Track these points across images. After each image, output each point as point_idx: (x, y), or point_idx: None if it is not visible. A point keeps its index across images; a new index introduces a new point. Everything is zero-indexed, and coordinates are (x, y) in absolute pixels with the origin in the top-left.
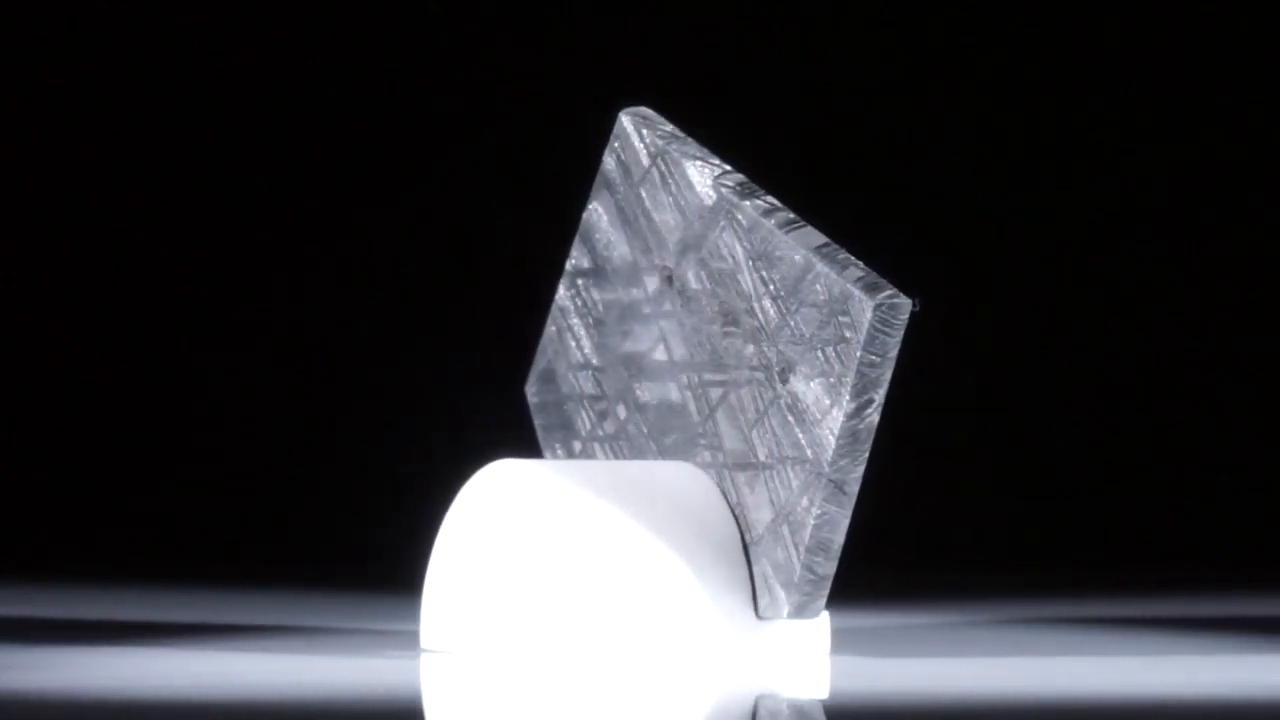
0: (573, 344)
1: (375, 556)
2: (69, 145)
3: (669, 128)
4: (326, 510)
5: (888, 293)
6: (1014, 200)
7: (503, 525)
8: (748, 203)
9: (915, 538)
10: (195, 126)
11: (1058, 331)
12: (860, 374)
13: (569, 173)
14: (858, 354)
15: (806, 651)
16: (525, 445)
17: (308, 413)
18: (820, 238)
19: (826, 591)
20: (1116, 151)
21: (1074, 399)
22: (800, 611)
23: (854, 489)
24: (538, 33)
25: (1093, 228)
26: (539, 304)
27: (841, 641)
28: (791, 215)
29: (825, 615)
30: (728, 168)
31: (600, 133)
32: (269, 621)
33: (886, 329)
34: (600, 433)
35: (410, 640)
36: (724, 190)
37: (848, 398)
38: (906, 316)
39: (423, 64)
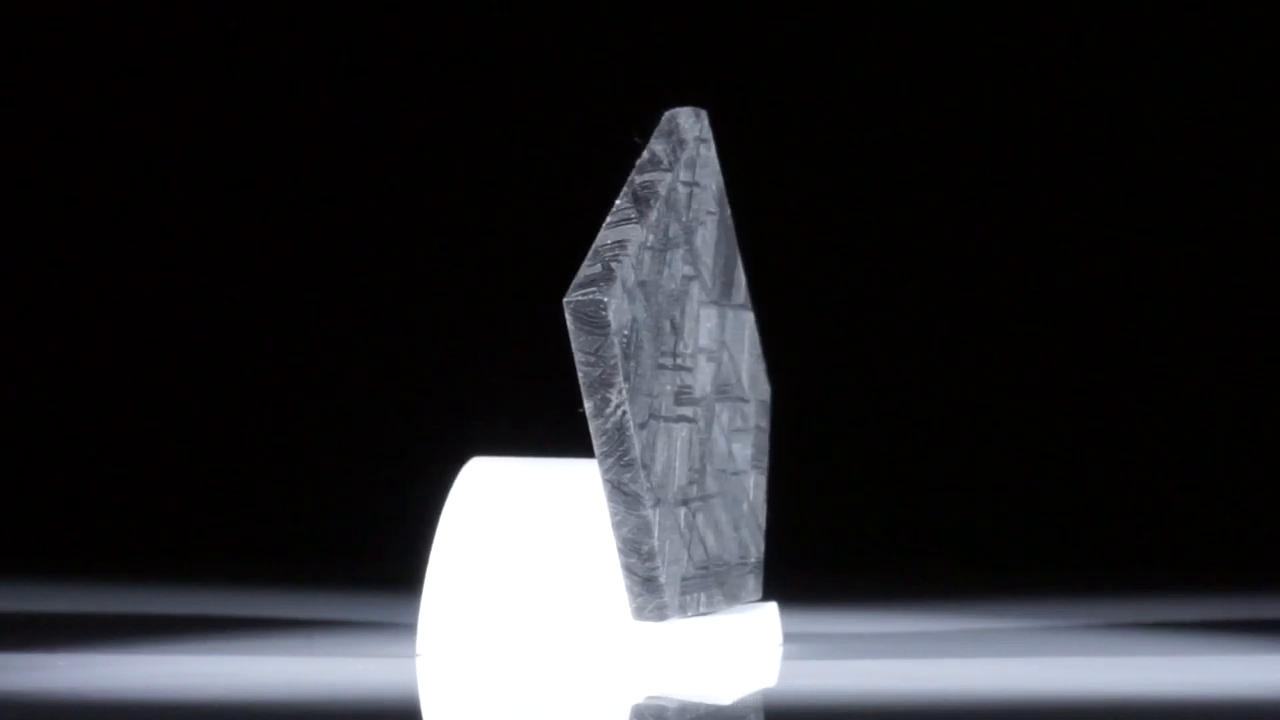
0: None
1: (369, 551)
2: (68, 145)
3: (671, 125)
4: (320, 505)
5: (580, 291)
6: (1011, 200)
7: (470, 526)
8: (617, 200)
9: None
10: (200, 125)
11: (1057, 331)
12: (583, 373)
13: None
14: (577, 354)
15: (685, 653)
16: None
17: (303, 409)
18: (614, 236)
19: (660, 594)
20: (1112, 146)
21: (1072, 398)
22: (641, 614)
23: (633, 489)
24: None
25: (1094, 221)
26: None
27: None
28: (632, 213)
29: (719, 619)
30: (662, 163)
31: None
32: (263, 617)
33: (585, 327)
34: None
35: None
36: (626, 190)
37: (585, 398)
38: (604, 314)
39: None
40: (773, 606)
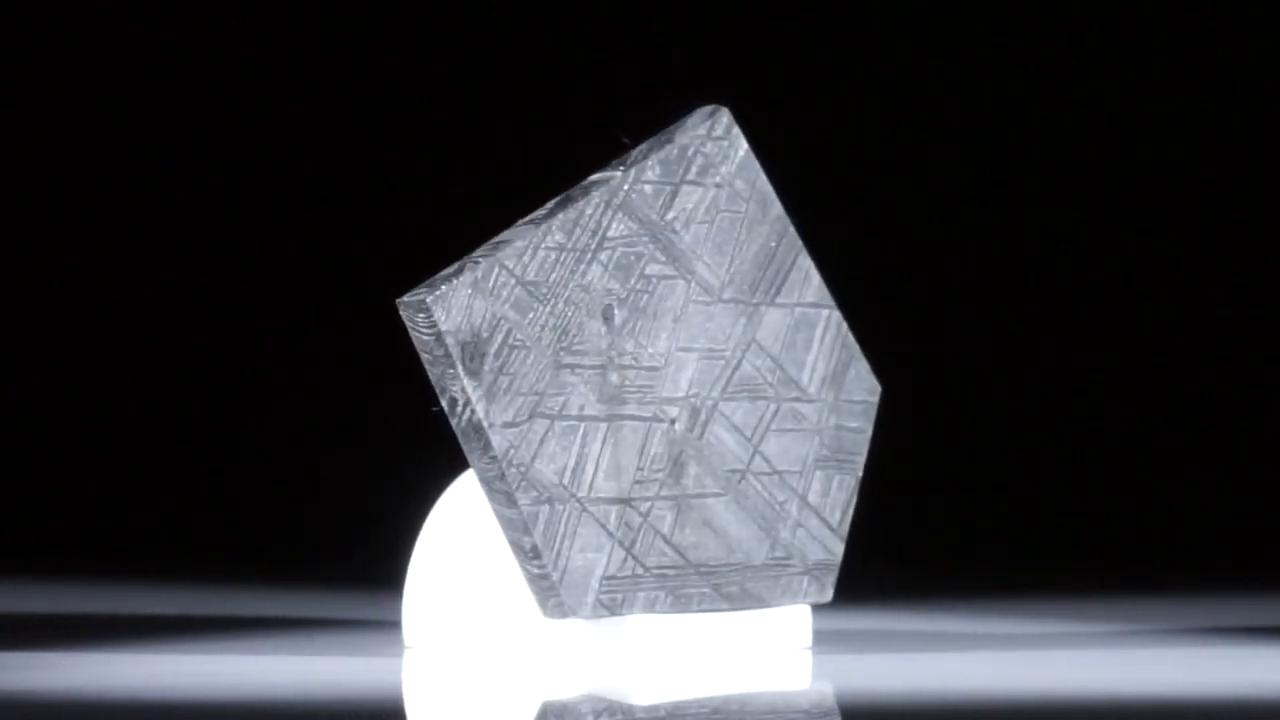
0: None
1: (369, 551)
2: (68, 145)
3: (677, 124)
4: (316, 508)
5: (411, 293)
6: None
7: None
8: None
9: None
10: (200, 125)
11: (1064, 333)
12: (430, 373)
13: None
14: (420, 353)
15: (598, 652)
16: None
17: (305, 409)
18: (503, 236)
19: (555, 592)
20: (1109, 147)
21: (1075, 401)
22: (545, 610)
23: (501, 488)
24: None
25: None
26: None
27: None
28: (541, 213)
29: (633, 619)
30: (624, 163)
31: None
32: (263, 617)
33: (416, 328)
34: None
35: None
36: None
37: (440, 396)
38: (428, 315)
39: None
40: (803, 609)
